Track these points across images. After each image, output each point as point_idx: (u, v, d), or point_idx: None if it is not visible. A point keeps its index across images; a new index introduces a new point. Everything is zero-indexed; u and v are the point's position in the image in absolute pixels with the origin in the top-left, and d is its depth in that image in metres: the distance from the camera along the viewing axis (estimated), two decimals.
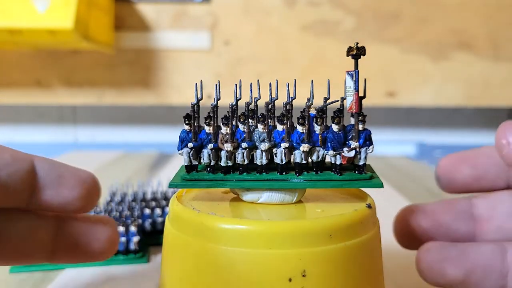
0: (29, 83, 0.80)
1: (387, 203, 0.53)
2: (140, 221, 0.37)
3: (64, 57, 0.79)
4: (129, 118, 0.91)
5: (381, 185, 0.21)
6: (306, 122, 0.21)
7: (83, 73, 0.80)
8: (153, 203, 0.41)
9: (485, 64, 0.78)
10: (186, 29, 0.79)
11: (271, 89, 0.21)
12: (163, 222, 0.38)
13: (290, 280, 0.18)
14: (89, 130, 0.92)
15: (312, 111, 0.21)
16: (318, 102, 0.22)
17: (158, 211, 0.39)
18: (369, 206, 0.21)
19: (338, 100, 0.21)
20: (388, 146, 0.87)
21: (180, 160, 0.22)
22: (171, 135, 0.91)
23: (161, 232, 0.38)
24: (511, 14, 0.77)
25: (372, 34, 0.78)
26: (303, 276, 0.18)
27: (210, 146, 0.21)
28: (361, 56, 0.21)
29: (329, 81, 0.21)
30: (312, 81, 0.21)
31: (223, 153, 0.21)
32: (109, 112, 0.91)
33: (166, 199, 0.43)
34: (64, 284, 0.31)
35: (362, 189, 0.24)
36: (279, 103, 0.22)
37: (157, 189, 0.46)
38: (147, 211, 0.39)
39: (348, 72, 0.21)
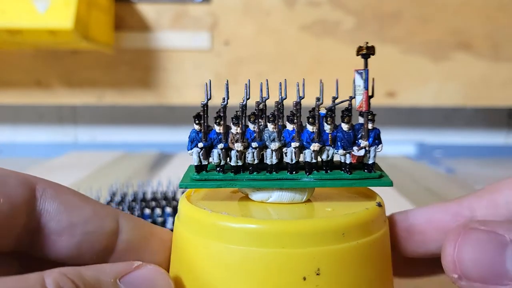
0: (29, 83, 0.80)
1: (387, 203, 0.53)
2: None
3: (64, 57, 0.79)
4: (129, 118, 0.91)
5: (390, 184, 0.21)
6: (316, 121, 0.21)
7: (83, 73, 0.80)
8: (153, 203, 0.41)
9: (485, 64, 0.78)
10: (186, 29, 0.79)
11: (280, 89, 0.21)
12: (163, 222, 0.38)
13: (304, 278, 0.18)
14: (89, 130, 0.92)
15: (322, 111, 0.21)
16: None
17: (158, 211, 0.39)
18: (379, 205, 0.21)
19: (348, 100, 0.22)
20: (388, 146, 0.87)
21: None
22: (171, 135, 0.91)
23: None
24: (511, 14, 0.77)
25: (372, 34, 0.78)
26: (317, 274, 0.19)
27: (221, 146, 0.21)
28: (370, 56, 0.21)
29: (337, 80, 0.21)
30: (321, 80, 0.21)
31: (233, 153, 0.21)
32: (109, 112, 0.91)
33: (166, 199, 0.43)
34: None
35: (370, 187, 0.24)
36: (285, 102, 0.22)
37: (157, 189, 0.46)
38: (147, 211, 0.39)
39: (357, 71, 0.21)
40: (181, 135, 0.90)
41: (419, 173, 0.69)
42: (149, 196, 0.45)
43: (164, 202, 0.42)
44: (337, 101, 0.22)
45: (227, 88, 0.21)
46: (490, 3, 0.77)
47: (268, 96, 0.22)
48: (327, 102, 0.22)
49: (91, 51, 0.78)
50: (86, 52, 0.79)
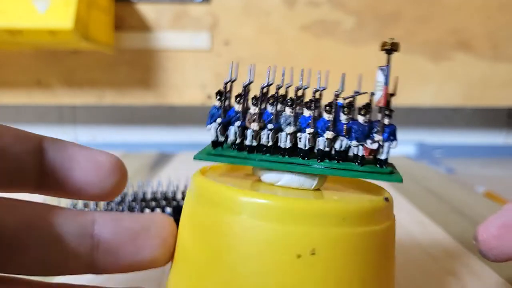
0: (29, 83, 0.80)
1: None
2: (160, 211, 0.37)
3: (64, 57, 0.79)
4: (129, 118, 0.91)
5: (400, 180, 0.21)
6: (333, 110, 0.21)
7: (83, 73, 0.80)
8: (153, 203, 0.41)
9: (485, 64, 0.78)
10: (186, 29, 0.79)
11: (302, 76, 0.22)
12: None
13: (298, 256, 0.19)
14: (89, 130, 0.92)
15: (340, 100, 0.21)
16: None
17: (158, 211, 0.39)
18: (386, 199, 0.21)
19: (366, 92, 0.22)
20: None
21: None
22: (171, 135, 0.91)
23: None
24: (511, 14, 0.77)
25: (372, 34, 0.78)
26: (312, 254, 0.19)
27: (238, 123, 0.22)
28: (393, 52, 0.21)
29: (360, 75, 0.22)
30: (343, 74, 0.22)
31: (249, 132, 0.22)
32: (109, 112, 0.91)
33: (166, 199, 0.43)
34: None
35: (381, 185, 0.24)
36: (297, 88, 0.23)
37: (157, 189, 0.46)
38: (147, 211, 0.39)
39: (380, 67, 0.21)
40: (181, 135, 0.90)
41: (419, 173, 0.69)
42: (149, 196, 0.44)
43: (164, 202, 0.41)
44: (356, 93, 0.22)
45: (253, 72, 0.23)
46: (490, 3, 0.77)
47: (292, 83, 0.22)
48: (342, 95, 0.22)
49: (91, 51, 0.78)
50: (86, 52, 0.79)
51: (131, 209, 0.39)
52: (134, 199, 0.43)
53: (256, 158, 0.22)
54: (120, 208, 0.40)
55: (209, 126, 0.22)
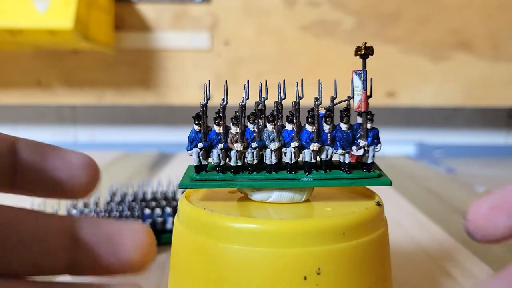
0: (29, 83, 0.80)
1: (387, 203, 0.53)
2: (140, 221, 0.37)
3: (64, 57, 0.79)
4: (129, 118, 0.91)
5: (389, 183, 0.21)
6: (316, 121, 0.21)
7: (83, 73, 0.80)
8: (153, 203, 0.41)
9: (485, 64, 0.78)
10: (186, 29, 0.79)
11: (280, 89, 0.22)
12: (163, 222, 0.38)
13: (305, 278, 0.19)
14: (89, 130, 0.92)
15: (321, 111, 0.21)
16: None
17: (158, 211, 0.39)
18: (378, 204, 0.22)
19: (346, 100, 0.22)
20: (388, 146, 0.87)
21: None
22: (171, 135, 0.91)
23: (161, 232, 0.38)
24: (511, 14, 0.77)
25: (372, 34, 0.78)
26: (318, 274, 0.19)
27: (220, 146, 0.21)
28: (369, 56, 0.21)
29: (335, 80, 0.21)
30: (320, 80, 0.21)
31: (232, 153, 0.22)
32: (109, 112, 0.91)
33: (166, 199, 0.43)
34: None
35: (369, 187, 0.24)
36: (284, 102, 0.22)
37: (157, 189, 0.46)
38: (147, 211, 0.39)
39: (355, 72, 0.21)
40: (181, 135, 0.90)
41: (419, 173, 0.69)
42: (149, 196, 0.44)
43: (164, 202, 0.41)
44: (335, 101, 0.22)
45: (226, 89, 0.21)
46: (490, 3, 0.77)
47: (267, 96, 0.22)
48: (326, 102, 0.22)
49: (91, 51, 0.78)
50: (86, 52, 0.79)
51: (131, 209, 0.39)
52: (134, 199, 0.43)
53: (243, 178, 0.22)
54: (120, 208, 0.39)
55: (190, 151, 0.22)
